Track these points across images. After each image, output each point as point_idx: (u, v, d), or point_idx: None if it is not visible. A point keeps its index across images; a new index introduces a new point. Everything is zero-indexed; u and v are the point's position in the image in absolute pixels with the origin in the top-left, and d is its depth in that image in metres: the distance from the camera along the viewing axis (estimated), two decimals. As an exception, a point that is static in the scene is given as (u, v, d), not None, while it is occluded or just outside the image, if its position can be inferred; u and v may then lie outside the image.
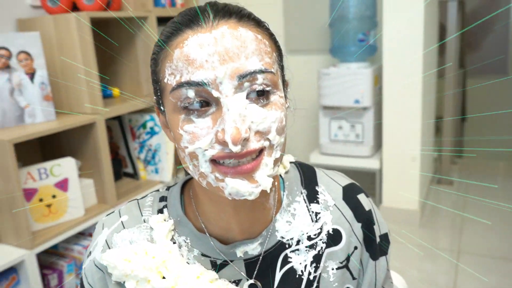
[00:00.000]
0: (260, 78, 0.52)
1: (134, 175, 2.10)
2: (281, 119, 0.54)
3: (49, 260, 1.71)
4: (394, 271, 2.14)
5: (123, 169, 2.13)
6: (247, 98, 0.52)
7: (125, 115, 2.06)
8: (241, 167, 0.51)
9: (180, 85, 0.51)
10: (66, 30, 1.72)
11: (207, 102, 0.52)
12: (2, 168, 1.46)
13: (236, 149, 0.49)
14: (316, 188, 0.68)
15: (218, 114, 0.51)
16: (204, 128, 0.51)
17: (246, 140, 0.51)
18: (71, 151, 1.82)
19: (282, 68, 0.59)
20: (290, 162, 0.71)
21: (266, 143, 0.53)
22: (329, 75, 2.68)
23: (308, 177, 0.69)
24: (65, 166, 1.67)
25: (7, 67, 1.60)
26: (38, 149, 1.91)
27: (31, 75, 1.65)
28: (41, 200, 1.62)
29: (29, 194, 1.60)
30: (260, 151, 0.53)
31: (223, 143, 0.50)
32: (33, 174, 1.61)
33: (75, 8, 1.86)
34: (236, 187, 0.52)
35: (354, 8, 2.65)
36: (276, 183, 0.65)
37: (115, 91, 2.10)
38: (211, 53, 0.50)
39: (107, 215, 0.67)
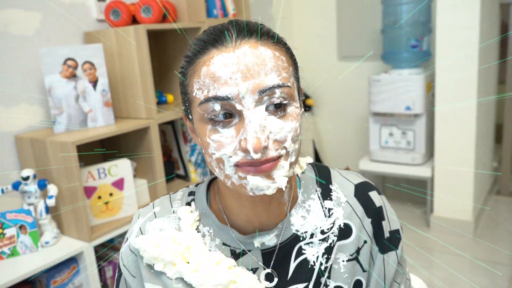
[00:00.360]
0: (277, 92, 0.58)
1: (185, 177, 2.22)
2: (296, 129, 0.59)
3: (105, 253, 1.85)
4: (443, 281, 2.08)
5: (175, 171, 2.26)
6: (266, 110, 0.58)
7: (178, 120, 2.19)
8: (261, 167, 0.58)
9: (207, 100, 0.58)
10: (126, 42, 1.87)
11: (230, 114, 0.58)
12: (67, 167, 1.62)
13: (256, 156, 0.56)
14: (330, 186, 0.73)
15: (240, 124, 0.58)
16: (228, 137, 0.58)
17: (265, 148, 0.57)
18: (127, 153, 1.97)
19: (297, 79, 0.65)
20: (308, 164, 0.76)
21: (283, 151, 0.59)
22: (379, 81, 2.66)
23: (323, 176, 0.74)
24: (122, 167, 1.81)
25: (73, 76, 1.76)
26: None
27: (94, 83, 1.81)
28: (99, 197, 1.77)
29: (89, 191, 1.76)
30: (278, 156, 0.59)
31: (246, 151, 0.57)
32: (93, 173, 1.76)
33: (134, 20, 2.02)
34: (256, 183, 0.58)
35: (407, 14, 2.63)
36: (292, 181, 0.70)
37: (170, 98, 2.24)
38: (234, 71, 0.56)
39: (143, 207, 0.75)
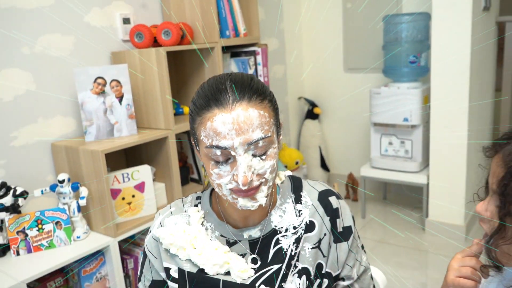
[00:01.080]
0: (261, 142, 0.81)
1: (199, 181, 2.46)
2: (273, 165, 0.83)
3: (128, 248, 2.10)
4: (437, 281, 2.29)
5: (190, 175, 2.50)
6: (252, 154, 0.81)
7: (193, 130, 2.42)
8: (247, 193, 0.82)
9: (212, 146, 0.81)
10: (148, 61, 2.12)
11: (227, 156, 0.81)
12: (96, 172, 1.87)
13: (244, 188, 0.80)
14: (301, 193, 0.97)
15: (234, 164, 0.81)
16: (225, 171, 0.82)
17: (251, 181, 0.81)
18: (148, 160, 2.22)
19: (277, 123, 0.87)
20: (286, 176, 1.00)
21: (263, 180, 0.83)
22: (379, 94, 2.86)
23: (296, 186, 0.98)
24: (143, 172, 2.06)
25: (102, 92, 2.02)
26: (123, 157, 2.34)
27: (120, 98, 2.06)
28: (123, 198, 2.02)
29: (114, 193, 2.01)
30: (259, 184, 0.83)
31: (237, 183, 0.81)
32: (118, 178, 2.01)
33: (155, 41, 2.27)
34: (244, 203, 0.83)
35: (406, 32, 2.83)
36: (273, 190, 0.94)
37: (186, 109, 2.49)
38: (230, 129, 0.79)
39: (162, 207, 1.00)
